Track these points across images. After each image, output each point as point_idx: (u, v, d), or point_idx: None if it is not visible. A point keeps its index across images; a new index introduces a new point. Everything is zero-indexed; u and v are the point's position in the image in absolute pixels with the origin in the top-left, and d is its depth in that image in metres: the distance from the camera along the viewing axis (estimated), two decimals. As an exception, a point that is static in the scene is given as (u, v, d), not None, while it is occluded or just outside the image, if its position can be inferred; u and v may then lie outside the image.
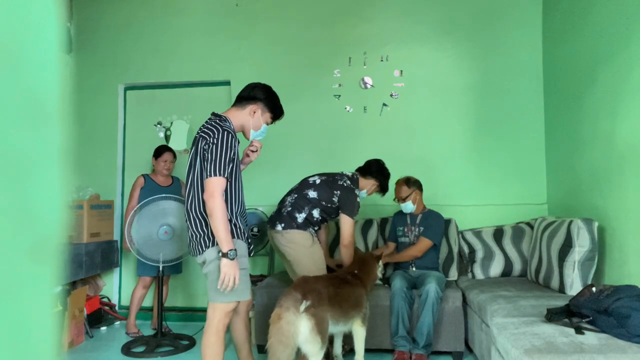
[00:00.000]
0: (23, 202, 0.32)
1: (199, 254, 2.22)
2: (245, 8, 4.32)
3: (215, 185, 2.09)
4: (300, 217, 2.78)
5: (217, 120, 2.24)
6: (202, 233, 2.20)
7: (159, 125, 4.49)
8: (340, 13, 4.20)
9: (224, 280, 2.08)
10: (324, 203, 2.84)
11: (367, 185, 3.05)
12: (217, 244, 2.14)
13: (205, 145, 2.16)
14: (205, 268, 2.21)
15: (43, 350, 0.33)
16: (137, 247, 3.37)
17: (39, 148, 0.33)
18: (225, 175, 2.12)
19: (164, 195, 3.50)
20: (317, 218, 2.83)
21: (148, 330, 3.84)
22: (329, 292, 2.37)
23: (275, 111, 2.42)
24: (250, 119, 2.34)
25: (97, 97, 4.48)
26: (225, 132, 2.15)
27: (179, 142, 4.42)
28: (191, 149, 2.31)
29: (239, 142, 2.26)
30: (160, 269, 3.45)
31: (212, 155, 2.12)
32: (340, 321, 2.46)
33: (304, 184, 2.95)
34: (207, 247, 2.18)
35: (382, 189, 3.11)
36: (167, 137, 4.47)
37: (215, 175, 2.10)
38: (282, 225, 2.76)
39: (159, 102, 4.51)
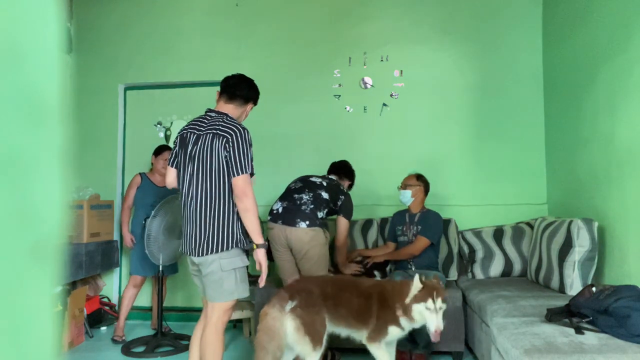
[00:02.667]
0: (23, 202, 0.32)
1: (203, 255, 2.18)
2: (245, 8, 4.32)
3: (246, 183, 2.15)
4: (320, 215, 2.82)
5: (228, 118, 2.27)
6: (211, 233, 2.18)
7: (159, 125, 4.49)
8: (340, 13, 4.20)
9: (263, 269, 2.19)
10: (331, 205, 2.93)
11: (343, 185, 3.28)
12: (229, 249, 2.17)
13: (226, 143, 2.17)
14: (207, 268, 2.19)
15: (43, 350, 0.33)
16: (156, 245, 3.33)
17: (39, 148, 0.33)
18: (250, 172, 2.19)
19: (172, 196, 3.49)
20: (326, 217, 2.90)
21: (148, 331, 3.84)
22: (326, 292, 2.33)
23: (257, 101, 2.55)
24: (244, 116, 2.45)
25: (97, 97, 4.47)
26: (245, 131, 2.22)
27: (179, 142, 4.42)
28: (192, 144, 2.26)
29: None
30: (160, 269, 3.45)
31: (237, 154, 2.16)
32: (341, 325, 2.37)
33: (311, 183, 2.97)
34: (217, 249, 2.17)
35: (351, 187, 3.40)
36: (167, 137, 4.47)
37: (243, 173, 2.15)
38: (307, 222, 2.75)
39: (159, 102, 4.51)
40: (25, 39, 0.32)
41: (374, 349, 2.40)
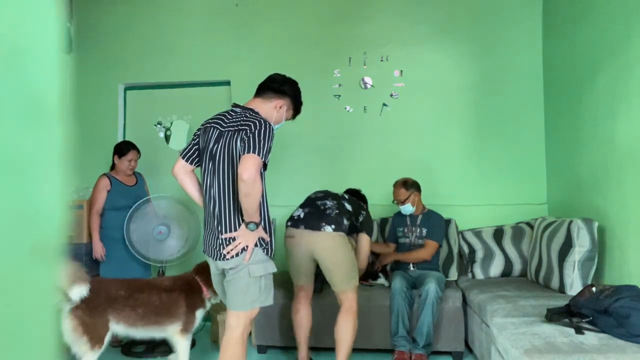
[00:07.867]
0: (23, 202, 0.32)
1: (232, 257, 2.04)
2: (245, 8, 4.32)
3: (256, 163, 1.92)
4: (345, 222, 2.71)
5: (252, 113, 2.12)
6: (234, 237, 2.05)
7: (159, 125, 4.49)
8: (340, 13, 4.20)
9: (237, 244, 2.03)
10: (353, 218, 2.84)
11: None
12: (256, 247, 2.04)
13: (244, 135, 2.00)
14: (235, 273, 2.04)
15: (43, 350, 0.34)
16: (138, 248, 3.35)
17: (39, 148, 0.33)
18: (264, 160, 1.99)
19: (158, 195, 3.50)
20: (348, 229, 2.81)
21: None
22: (114, 294, 2.51)
23: (298, 109, 2.38)
24: (274, 113, 2.23)
25: (97, 97, 4.47)
26: (268, 124, 2.04)
27: (179, 142, 4.42)
28: (214, 142, 2.12)
29: None
30: (161, 269, 3.45)
31: (254, 139, 1.96)
32: (138, 325, 2.56)
33: (333, 194, 2.91)
34: (243, 250, 2.02)
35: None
36: (167, 137, 4.47)
37: (256, 154, 1.93)
38: (333, 227, 2.62)
39: (159, 102, 4.51)
40: (25, 39, 0.32)
41: (184, 341, 2.67)
